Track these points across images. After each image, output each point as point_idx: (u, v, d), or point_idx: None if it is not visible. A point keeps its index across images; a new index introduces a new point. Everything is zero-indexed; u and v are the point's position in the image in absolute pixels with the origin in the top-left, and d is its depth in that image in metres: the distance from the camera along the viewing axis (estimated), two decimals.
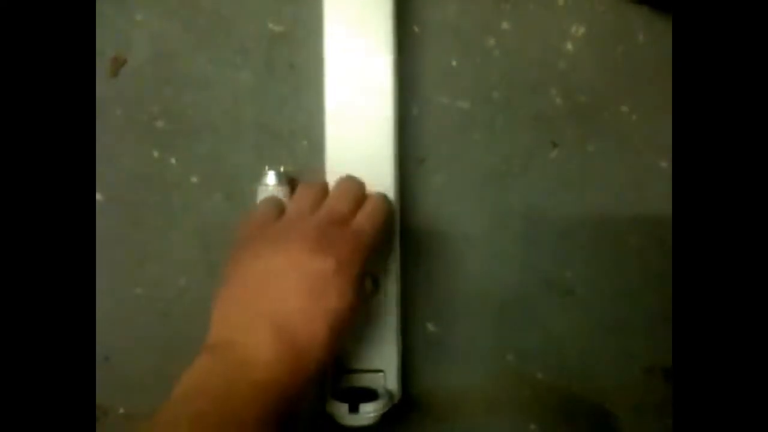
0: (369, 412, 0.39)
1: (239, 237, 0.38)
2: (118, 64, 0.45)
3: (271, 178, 0.42)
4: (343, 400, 0.40)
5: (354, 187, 0.39)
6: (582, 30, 0.45)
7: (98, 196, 0.45)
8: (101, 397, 0.45)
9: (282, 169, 0.43)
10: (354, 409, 0.39)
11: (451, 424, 0.46)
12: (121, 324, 0.45)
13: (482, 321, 0.46)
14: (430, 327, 0.46)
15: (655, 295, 0.46)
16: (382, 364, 0.42)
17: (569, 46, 0.45)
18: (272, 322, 0.33)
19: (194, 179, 0.45)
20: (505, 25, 0.45)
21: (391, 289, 0.42)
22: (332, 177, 0.41)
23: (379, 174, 0.41)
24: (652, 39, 0.45)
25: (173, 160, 0.45)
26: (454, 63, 0.45)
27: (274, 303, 0.34)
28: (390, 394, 0.41)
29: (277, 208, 0.39)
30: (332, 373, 0.42)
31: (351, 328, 0.35)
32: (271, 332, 0.33)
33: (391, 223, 0.41)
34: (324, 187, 0.40)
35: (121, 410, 0.46)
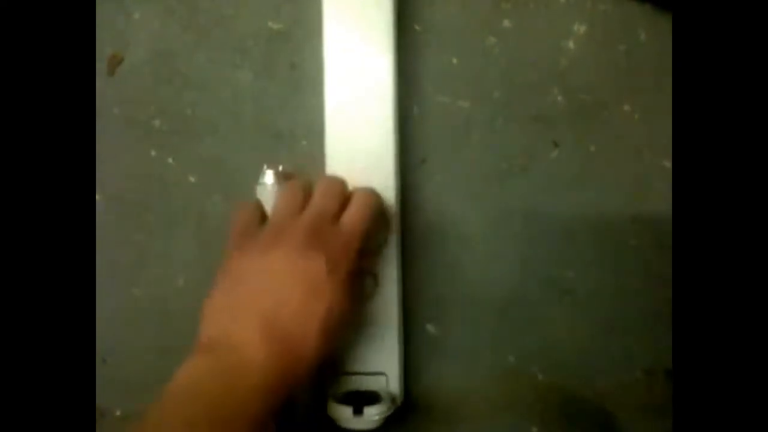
0: (373, 415, 0.39)
1: (228, 242, 0.37)
2: (115, 62, 0.45)
3: (269, 177, 0.42)
4: (345, 404, 0.39)
5: (336, 184, 0.39)
6: (583, 28, 0.45)
7: (98, 196, 0.45)
8: (98, 398, 0.45)
9: (281, 168, 0.42)
10: (358, 412, 0.39)
11: (451, 426, 0.46)
12: (118, 325, 0.45)
13: (482, 322, 0.46)
14: (430, 328, 0.46)
15: (657, 296, 0.46)
16: (384, 366, 0.42)
17: (570, 44, 0.45)
18: (262, 319, 0.33)
19: (192, 179, 0.45)
20: (506, 24, 0.45)
21: (392, 290, 0.42)
22: None
23: (379, 173, 0.41)
24: (654, 37, 0.45)
25: (171, 160, 0.45)
26: (454, 62, 0.45)
27: (265, 301, 0.33)
28: (392, 396, 0.41)
29: (259, 210, 0.39)
30: (333, 376, 0.41)
31: (346, 328, 0.35)
32: (260, 329, 0.32)
33: (380, 216, 0.40)
34: (308, 185, 0.39)
35: (118, 412, 0.45)
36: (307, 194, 0.38)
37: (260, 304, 0.33)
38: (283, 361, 0.32)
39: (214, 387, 0.31)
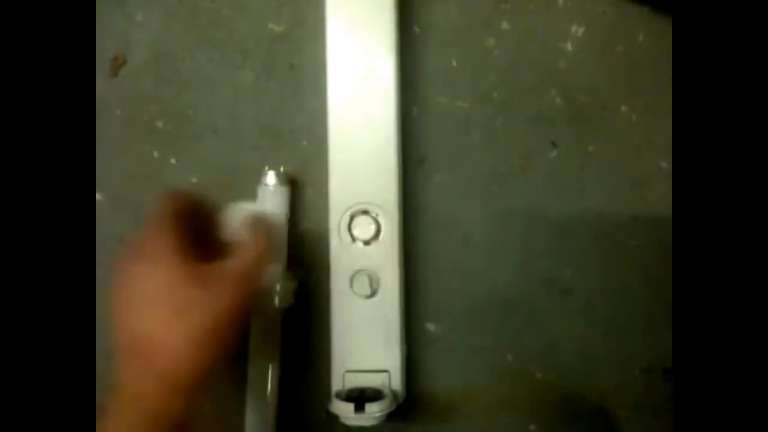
0: (375, 411, 0.39)
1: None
2: (118, 64, 0.45)
3: (271, 178, 0.42)
4: (348, 401, 0.40)
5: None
6: (582, 30, 0.45)
7: (98, 196, 0.45)
8: (101, 397, 0.45)
9: (282, 169, 0.43)
10: (360, 408, 0.39)
11: (450, 424, 0.46)
12: None
13: (482, 321, 0.46)
14: (430, 327, 0.46)
15: (655, 296, 0.46)
16: (387, 364, 0.42)
17: (569, 46, 0.45)
18: (125, 339, 0.33)
19: (194, 179, 0.45)
20: (504, 26, 0.45)
21: (393, 289, 0.42)
22: (335, 176, 0.41)
23: (381, 173, 0.41)
24: (652, 39, 0.45)
25: (173, 161, 0.45)
26: (454, 63, 0.45)
27: (129, 320, 0.33)
28: (395, 394, 0.41)
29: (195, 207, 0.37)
30: (336, 374, 0.42)
31: (229, 333, 0.33)
32: (126, 350, 0.32)
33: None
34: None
35: None
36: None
37: (124, 324, 0.33)
38: (153, 375, 0.32)
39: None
